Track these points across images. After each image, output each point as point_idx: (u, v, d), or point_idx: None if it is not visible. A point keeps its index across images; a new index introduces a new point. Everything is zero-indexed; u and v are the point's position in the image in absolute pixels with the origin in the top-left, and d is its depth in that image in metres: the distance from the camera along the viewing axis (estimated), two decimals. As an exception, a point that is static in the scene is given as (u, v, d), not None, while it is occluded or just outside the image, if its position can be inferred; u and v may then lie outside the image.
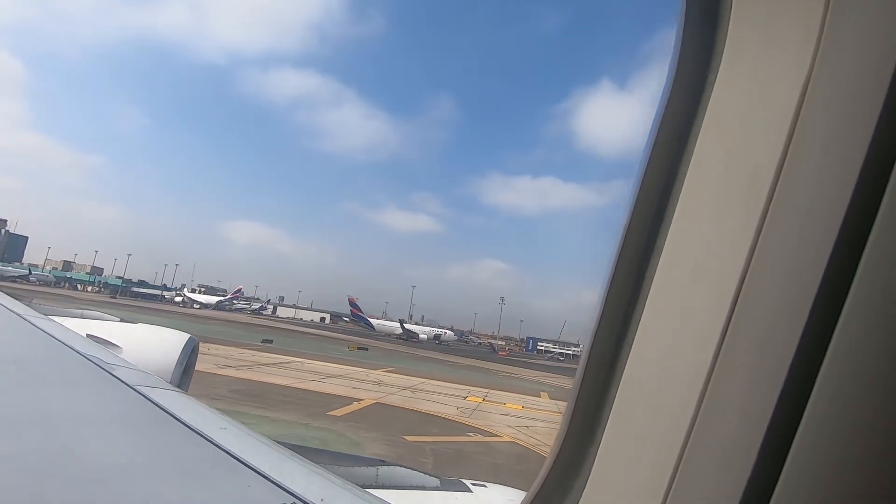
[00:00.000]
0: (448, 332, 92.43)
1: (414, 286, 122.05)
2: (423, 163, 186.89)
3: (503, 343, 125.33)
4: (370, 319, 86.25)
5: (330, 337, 58.25)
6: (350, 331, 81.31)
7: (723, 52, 0.73)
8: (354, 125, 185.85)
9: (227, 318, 71.63)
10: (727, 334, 0.63)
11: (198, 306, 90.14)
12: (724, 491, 0.59)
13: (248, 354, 26.28)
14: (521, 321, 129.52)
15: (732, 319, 0.63)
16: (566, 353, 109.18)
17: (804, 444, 0.54)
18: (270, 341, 37.52)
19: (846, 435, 0.52)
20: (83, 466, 1.21)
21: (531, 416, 20.00)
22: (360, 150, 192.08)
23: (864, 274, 0.52)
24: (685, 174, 0.76)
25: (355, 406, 17.04)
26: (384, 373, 27.90)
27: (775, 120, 0.63)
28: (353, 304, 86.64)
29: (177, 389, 2.11)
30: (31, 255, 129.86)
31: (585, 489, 0.84)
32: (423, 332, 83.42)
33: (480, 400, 22.62)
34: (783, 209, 0.60)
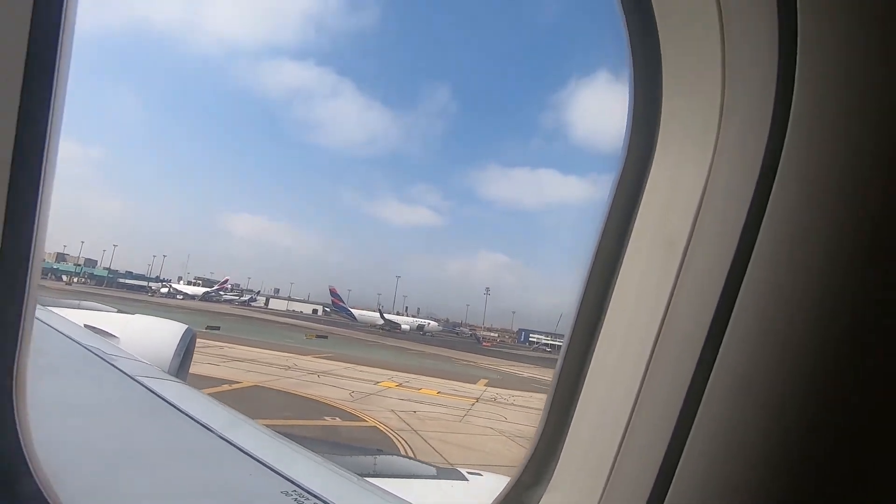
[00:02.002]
0: (432, 322, 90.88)
1: (398, 276, 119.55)
2: (421, 155, 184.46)
3: (495, 335, 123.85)
4: (352, 310, 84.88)
5: (304, 327, 57.08)
6: (334, 322, 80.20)
7: (656, 146, 1.01)
8: (353, 117, 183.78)
9: (205, 308, 70.81)
10: (651, 361, 0.86)
11: (181, 297, 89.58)
12: (646, 474, 0.78)
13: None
14: (514, 313, 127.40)
15: (655, 349, 0.86)
16: (552, 345, 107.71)
17: (696, 440, 0.73)
18: (217, 328, 36.35)
19: (728, 433, 0.70)
20: (91, 455, 1.19)
21: (435, 402, 18.53)
22: (359, 143, 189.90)
23: (736, 322, 0.72)
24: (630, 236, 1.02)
25: (222, 388, 15.64)
26: (313, 358, 26.56)
27: (687, 204, 0.88)
28: (334, 293, 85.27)
29: (176, 380, 2.20)
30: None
31: (554, 475, 1.02)
32: (406, 322, 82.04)
33: (394, 385, 21.17)
34: (687, 271, 0.85)
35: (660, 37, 0.94)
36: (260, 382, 17.52)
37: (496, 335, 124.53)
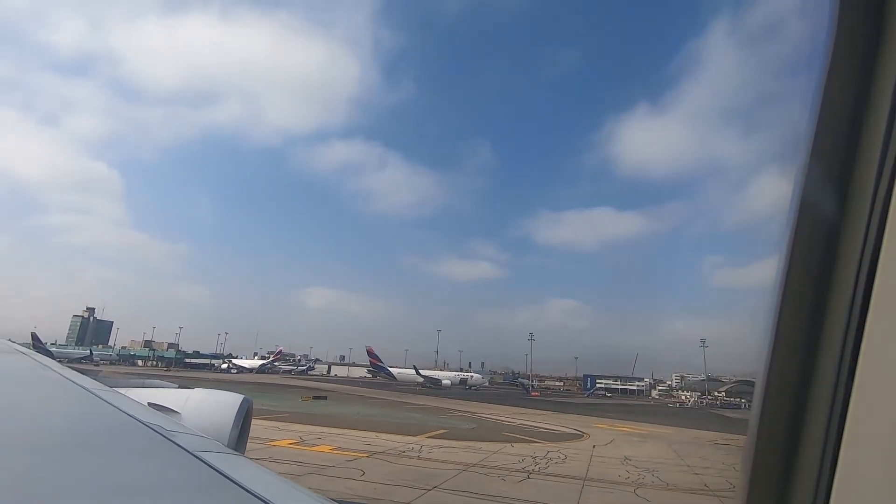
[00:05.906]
0: (475, 375, 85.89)
1: (440, 330, 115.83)
2: (472, 211, 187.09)
3: (559, 384, 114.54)
4: (391, 369, 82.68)
5: (331, 390, 55.86)
6: (375, 384, 78.35)
7: None
8: (402, 184, 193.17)
9: (254, 380, 72.32)
10: None
11: (234, 371, 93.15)
12: None
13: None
14: (576, 358, 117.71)
15: None
16: (614, 389, 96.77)
17: None
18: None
19: None
20: None
21: (301, 461, 15.67)
22: (411, 206, 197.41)
23: None
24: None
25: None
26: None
27: None
28: (371, 354, 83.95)
29: (235, 453, 2.13)
30: (121, 337, 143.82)
31: None
32: (447, 377, 78.13)
33: (286, 443, 18.56)
34: None
35: None
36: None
37: (560, 384, 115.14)
